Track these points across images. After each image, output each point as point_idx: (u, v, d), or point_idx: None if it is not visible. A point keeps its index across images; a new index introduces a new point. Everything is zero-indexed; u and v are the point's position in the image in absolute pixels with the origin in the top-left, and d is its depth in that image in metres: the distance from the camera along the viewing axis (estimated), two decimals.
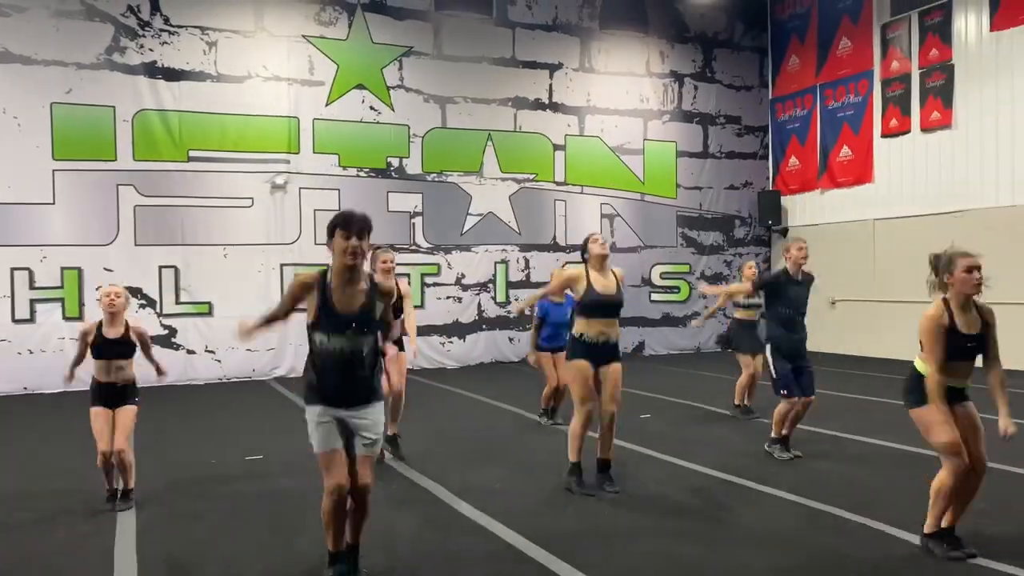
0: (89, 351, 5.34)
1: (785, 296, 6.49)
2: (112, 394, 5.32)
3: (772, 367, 6.47)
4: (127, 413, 5.32)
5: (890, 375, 10.43)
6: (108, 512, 5.19)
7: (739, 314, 8.59)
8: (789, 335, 6.45)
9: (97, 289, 6.27)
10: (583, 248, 5.67)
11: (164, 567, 4.26)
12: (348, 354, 3.72)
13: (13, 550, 4.58)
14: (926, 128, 13.26)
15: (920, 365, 4.23)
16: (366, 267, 3.88)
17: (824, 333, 14.29)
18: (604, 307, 5.50)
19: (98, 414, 5.28)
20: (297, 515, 5.04)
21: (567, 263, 14.22)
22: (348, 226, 3.65)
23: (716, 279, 15.82)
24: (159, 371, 5.57)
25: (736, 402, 8.54)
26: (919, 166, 13.50)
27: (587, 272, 5.56)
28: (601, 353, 5.50)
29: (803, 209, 15.69)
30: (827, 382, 10.77)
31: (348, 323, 3.71)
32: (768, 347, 6.54)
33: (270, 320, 3.92)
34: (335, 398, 3.76)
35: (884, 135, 14.02)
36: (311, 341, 3.77)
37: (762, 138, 16.32)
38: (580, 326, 5.53)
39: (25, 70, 11.23)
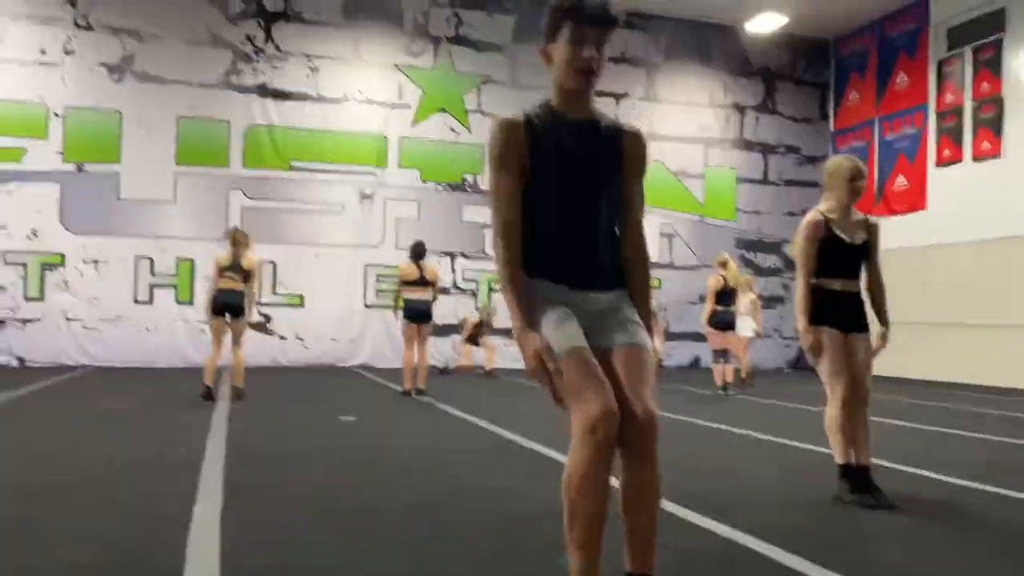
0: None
1: None
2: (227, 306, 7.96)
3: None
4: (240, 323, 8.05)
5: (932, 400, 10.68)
6: (190, 472, 4.40)
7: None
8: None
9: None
10: None
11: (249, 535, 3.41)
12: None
13: (114, 515, 3.57)
14: (977, 157, 13.80)
15: None
16: None
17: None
18: None
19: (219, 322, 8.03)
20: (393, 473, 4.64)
21: None
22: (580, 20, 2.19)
23: (773, 301, 16.48)
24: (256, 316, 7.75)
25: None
26: (971, 194, 13.98)
27: None
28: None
29: None
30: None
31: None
32: None
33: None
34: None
35: (938, 164, 14.58)
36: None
37: (821, 168, 16.95)
38: None
39: (158, 88, 13.06)
